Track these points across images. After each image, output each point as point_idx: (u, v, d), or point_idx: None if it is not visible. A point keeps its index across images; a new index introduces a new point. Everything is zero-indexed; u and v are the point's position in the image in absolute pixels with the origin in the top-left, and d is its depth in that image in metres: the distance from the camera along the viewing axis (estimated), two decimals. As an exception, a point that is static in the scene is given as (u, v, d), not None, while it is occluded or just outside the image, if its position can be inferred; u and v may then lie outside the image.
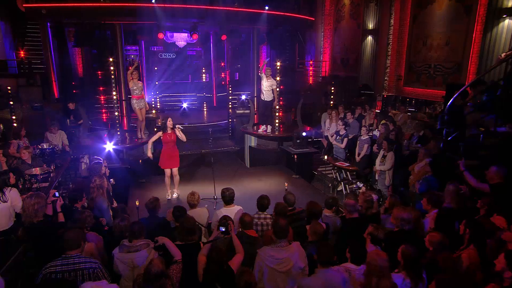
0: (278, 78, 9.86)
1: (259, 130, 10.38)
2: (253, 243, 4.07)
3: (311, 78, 16.25)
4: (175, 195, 7.63)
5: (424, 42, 10.65)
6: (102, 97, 12.30)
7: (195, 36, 10.56)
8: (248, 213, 4.41)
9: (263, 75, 9.78)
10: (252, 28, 12.35)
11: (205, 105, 15.32)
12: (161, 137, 7.31)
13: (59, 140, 8.44)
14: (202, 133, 12.21)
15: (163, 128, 7.31)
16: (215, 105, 15.99)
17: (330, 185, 8.62)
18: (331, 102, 12.42)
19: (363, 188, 7.02)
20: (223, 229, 3.77)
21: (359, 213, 4.60)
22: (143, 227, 3.83)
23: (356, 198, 5.28)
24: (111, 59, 8.54)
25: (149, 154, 7.44)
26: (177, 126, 7.34)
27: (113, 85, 8.63)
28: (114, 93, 8.60)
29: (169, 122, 7.27)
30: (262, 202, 4.72)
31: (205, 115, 14.81)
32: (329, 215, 4.90)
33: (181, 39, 13.11)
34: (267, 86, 9.83)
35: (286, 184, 6.66)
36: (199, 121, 13.11)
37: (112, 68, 8.52)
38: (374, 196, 4.72)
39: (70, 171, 7.85)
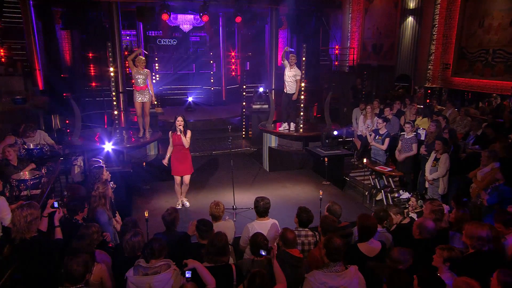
0: (304, 59, 9.57)
1: (280, 128, 10.14)
2: (298, 265, 3.88)
3: (336, 67, 16.01)
4: (186, 204, 7.46)
5: (480, 22, 10.34)
6: (94, 89, 12.19)
7: (206, 18, 10.35)
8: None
9: (287, 63, 9.53)
10: (270, 9, 12.16)
11: (213, 98, 15.11)
12: (171, 138, 7.09)
13: (40, 141, 8.22)
14: (211, 131, 12.14)
15: (172, 127, 7.07)
16: (224, 99, 15.82)
17: (366, 193, 8.36)
18: (363, 94, 12.19)
19: (413, 199, 6.72)
20: (264, 253, 3.59)
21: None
22: (165, 245, 3.63)
23: (401, 211, 5.04)
24: (109, 44, 8.33)
25: (165, 162, 7.17)
26: (179, 128, 6.96)
27: (111, 75, 8.42)
28: (112, 84, 8.39)
29: (178, 121, 6.97)
30: (302, 216, 4.52)
31: (213, 110, 14.65)
32: (380, 230, 4.64)
33: (186, 21, 12.95)
34: (291, 76, 9.57)
35: (320, 192, 6.41)
36: (207, 118, 12.94)
37: (110, 54, 8.31)
38: (445, 207, 4.44)
39: (60, 176, 7.69)
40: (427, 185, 7.30)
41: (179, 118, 7.00)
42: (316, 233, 4.60)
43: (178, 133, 6.98)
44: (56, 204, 4.22)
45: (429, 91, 11.80)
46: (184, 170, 7.24)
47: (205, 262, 3.60)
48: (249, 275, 3.21)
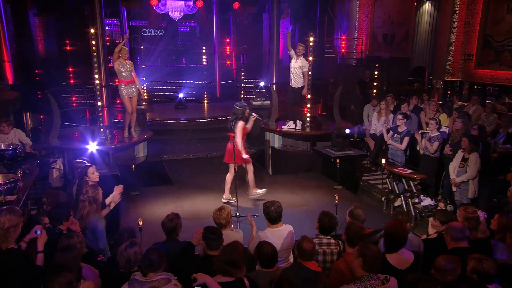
0: (310, 59, 9.50)
1: (284, 127, 10.02)
2: (314, 280, 3.75)
3: (342, 60, 15.98)
4: (261, 191, 7.72)
5: (508, 7, 10.32)
6: (72, 84, 12.00)
7: (200, 3, 10.21)
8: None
9: (293, 53, 9.41)
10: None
11: (205, 95, 15.01)
12: (242, 130, 7.39)
13: (16, 140, 8.09)
14: (205, 131, 12.02)
15: (245, 118, 7.38)
16: (218, 95, 15.71)
17: (383, 199, 8.26)
18: (374, 88, 12.18)
19: (441, 205, 6.63)
20: None
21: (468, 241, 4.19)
22: (164, 256, 3.54)
23: (448, 217, 4.90)
24: (92, 31, 8.16)
25: (247, 155, 7.47)
26: (253, 114, 7.55)
27: (95, 66, 8.26)
28: (96, 76, 8.23)
29: (248, 110, 7.45)
30: (323, 221, 4.40)
31: (207, 108, 14.57)
32: (410, 237, 4.51)
33: (176, 8, 12.80)
34: (297, 68, 9.45)
35: (336, 196, 6.30)
36: (200, 116, 12.86)
37: (94, 43, 8.14)
38: (482, 214, 4.32)
39: (36, 180, 7.51)
40: (454, 189, 7.18)
41: (247, 106, 7.53)
42: (340, 241, 4.47)
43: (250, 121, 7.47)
44: (38, 232, 4.01)
45: (445, 87, 11.81)
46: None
47: (218, 275, 3.46)
48: (275, 282, 3.13)
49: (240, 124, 7.31)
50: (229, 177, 7.66)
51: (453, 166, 7.11)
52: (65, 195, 6.59)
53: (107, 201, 5.41)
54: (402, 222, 4.22)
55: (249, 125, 7.57)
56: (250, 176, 7.64)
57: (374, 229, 5.02)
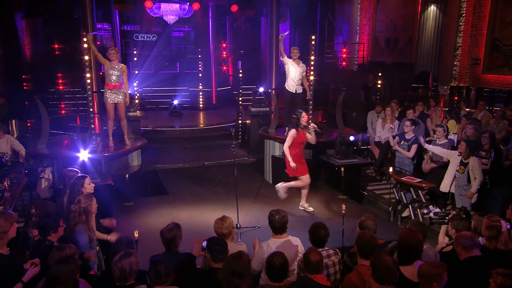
0: (312, 58, 9.49)
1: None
2: None
3: (343, 66, 16.02)
4: (309, 208, 7.92)
5: (518, 8, 10.36)
6: (61, 89, 11.95)
7: (197, 6, 10.20)
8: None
9: (288, 60, 9.38)
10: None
11: (201, 102, 14.98)
12: (292, 137, 7.43)
13: (7, 147, 8.04)
14: (201, 139, 12.05)
15: (296, 124, 7.42)
16: (214, 102, 15.71)
17: (390, 209, 8.20)
18: (378, 93, 12.19)
19: (453, 213, 6.54)
20: None
21: (480, 248, 4.13)
22: (171, 268, 3.47)
23: (465, 226, 4.82)
24: (84, 34, 8.12)
25: (293, 164, 7.47)
26: (312, 124, 7.62)
27: (87, 70, 8.19)
28: (88, 81, 8.16)
29: (304, 118, 7.47)
30: (318, 234, 4.33)
31: (202, 115, 14.59)
32: (425, 248, 4.43)
33: (171, 12, 12.83)
34: (300, 74, 9.42)
35: (343, 206, 6.19)
36: (196, 124, 12.92)
37: (86, 46, 8.07)
38: (504, 224, 4.25)
39: (23, 191, 7.42)
40: (451, 189, 7.15)
41: (304, 113, 7.56)
42: (337, 250, 4.45)
43: (305, 127, 7.49)
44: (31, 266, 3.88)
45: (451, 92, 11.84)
46: (305, 168, 7.65)
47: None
48: None
49: (292, 132, 7.38)
50: (301, 186, 7.83)
51: (450, 174, 7.12)
52: (54, 206, 6.48)
53: (105, 236, 5.23)
54: (416, 232, 4.12)
55: (311, 137, 7.65)
56: (303, 187, 7.81)
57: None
